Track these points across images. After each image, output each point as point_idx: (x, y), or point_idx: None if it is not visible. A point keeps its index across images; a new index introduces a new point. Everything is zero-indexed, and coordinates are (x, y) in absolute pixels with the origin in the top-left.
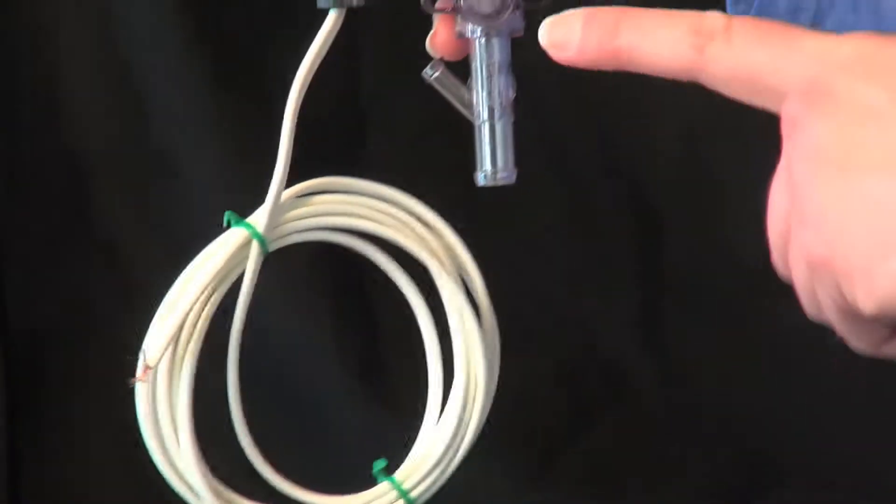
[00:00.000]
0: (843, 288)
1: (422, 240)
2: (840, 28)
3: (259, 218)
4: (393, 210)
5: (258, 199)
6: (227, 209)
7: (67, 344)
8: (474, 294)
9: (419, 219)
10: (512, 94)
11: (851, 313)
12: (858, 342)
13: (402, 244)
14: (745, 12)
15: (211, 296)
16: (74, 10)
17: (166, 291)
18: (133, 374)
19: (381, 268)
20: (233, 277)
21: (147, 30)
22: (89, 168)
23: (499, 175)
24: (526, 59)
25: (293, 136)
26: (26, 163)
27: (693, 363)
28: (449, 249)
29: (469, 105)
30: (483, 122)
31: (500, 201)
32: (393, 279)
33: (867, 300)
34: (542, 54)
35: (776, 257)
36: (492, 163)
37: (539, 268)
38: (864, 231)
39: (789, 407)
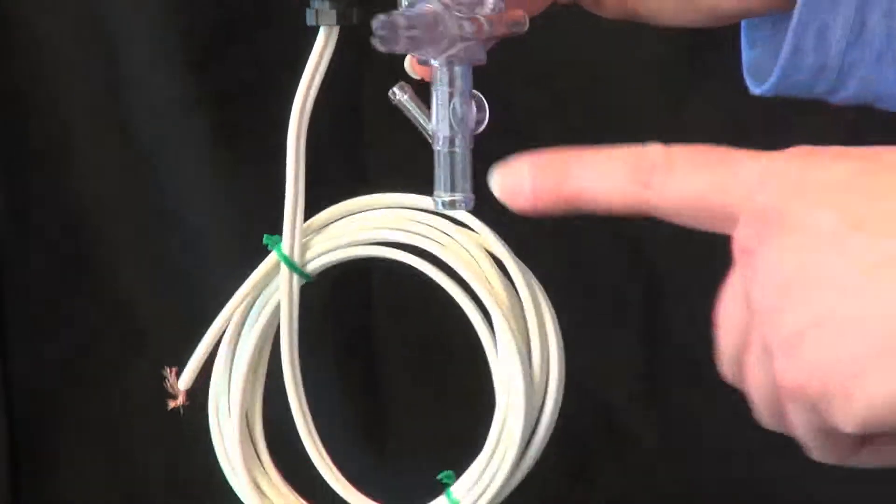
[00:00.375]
0: (822, 411)
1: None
2: (865, 84)
3: (285, 240)
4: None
5: (260, 247)
6: (230, 256)
7: (71, 394)
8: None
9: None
10: (472, 123)
11: (827, 431)
12: (824, 455)
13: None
14: (770, 82)
15: (244, 316)
16: (81, 69)
17: (170, 340)
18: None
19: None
20: (269, 301)
21: (151, 88)
22: (93, 220)
23: (456, 202)
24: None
25: (303, 156)
26: (31, 217)
27: (693, 421)
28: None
29: (431, 130)
30: (442, 148)
31: None
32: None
33: (848, 421)
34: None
35: (727, 365)
36: (450, 189)
37: None
38: (836, 352)
39: (790, 470)
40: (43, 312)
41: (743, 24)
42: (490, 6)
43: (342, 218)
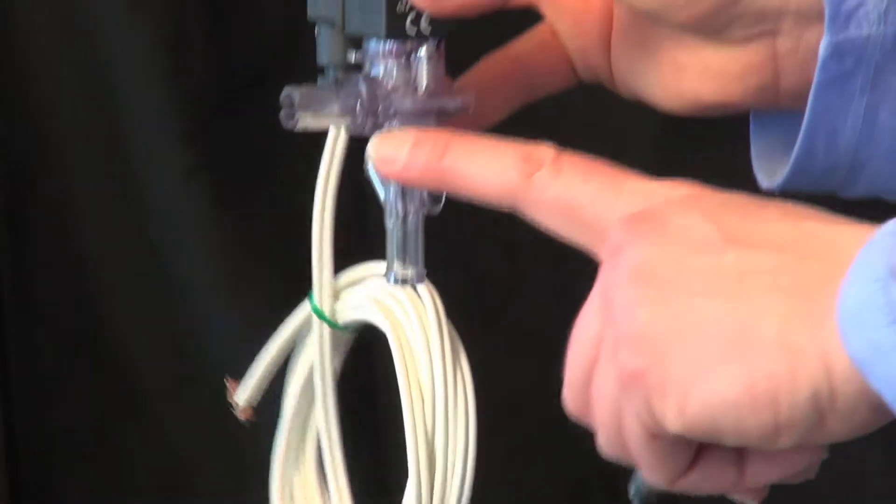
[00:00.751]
0: (654, 404)
1: None
2: (875, 180)
3: (315, 291)
4: None
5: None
6: (232, 322)
7: (76, 460)
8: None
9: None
10: (426, 199)
11: (655, 435)
12: (656, 473)
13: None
14: (778, 182)
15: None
16: (83, 137)
17: (174, 406)
18: None
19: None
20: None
21: (153, 154)
22: (97, 287)
23: (408, 277)
24: None
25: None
26: (36, 282)
27: None
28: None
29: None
30: (395, 224)
31: (504, 326)
32: None
33: (676, 418)
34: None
35: (574, 390)
36: (402, 264)
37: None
38: (685, 350)
39: None
40: (47, 378)
41: (752, 114)
42: (424, 88)
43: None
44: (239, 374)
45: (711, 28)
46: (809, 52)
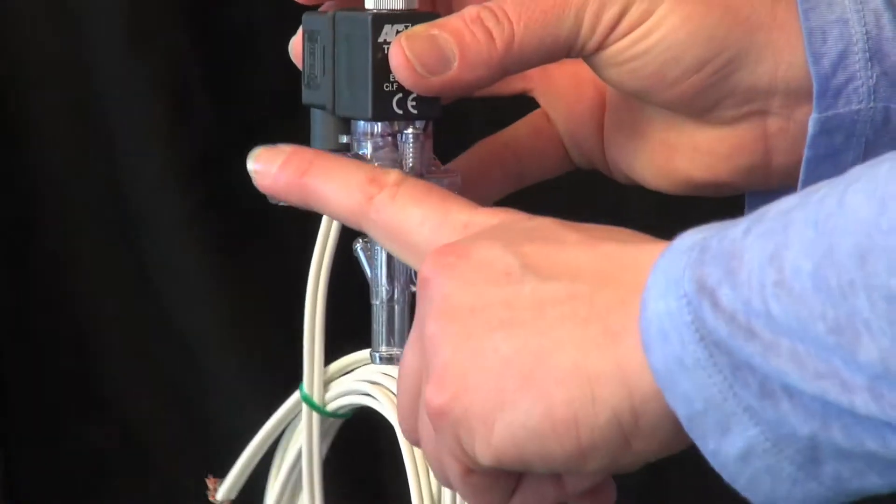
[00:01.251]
0: (462, 438)
1: None
2: None
3: (306, 380)
4: None
5: (264, 362)
6: (231, 368)
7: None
8: None
9: None
10: (413, 279)
11: (471, 470)
12: None
13: None
14: None
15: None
16: (82, 182)
17: (174, 457)
18: None
19: None
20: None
21: (152, 199)
22: (96, 331)
23: (394, 357)
24: None
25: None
26: (34, 326)
27: None
28: None
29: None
30: (381, 303)
31: None
32: None
33: (484, 451)
34: None
35: (404, 419)
36: (387, 343)
37: None
38: (486, 383)
39: None
40: (46, 433)
41: (747, 195)
42: (409, 168)
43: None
44: (238, 425)
45: (700, 108)
46: (800, 132)
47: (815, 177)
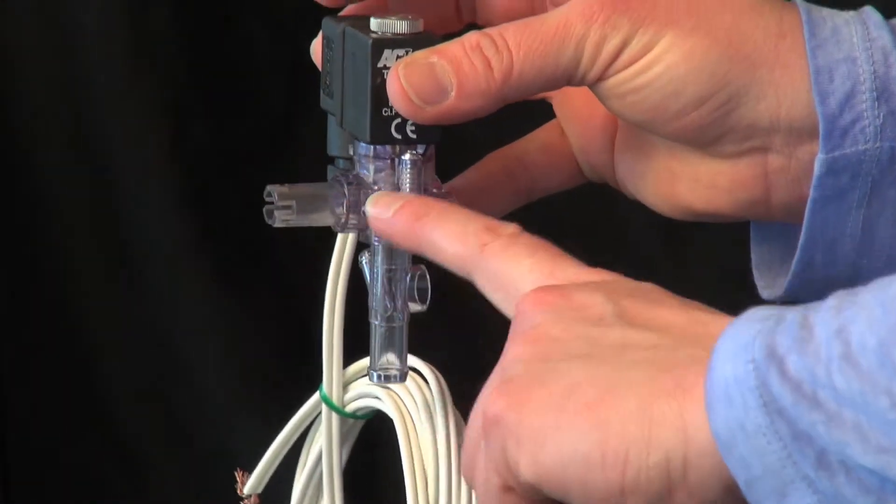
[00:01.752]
0: (509, 449)
1: None
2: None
3: (326, 382)
4: None
5: (262, 385)
6: (230, 395)
7: None
8: None
9: None
10: (417, 298)
11: (508, 487)
12: None
13: None
14: (778, 294)
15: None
16: (81, 208)
17: (171, 478)
18: None
19: None
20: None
21: (151, 223)
22: (94, 360)
23: (391, 375)
24: None
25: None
26: (34, 354)
27: None
28: None
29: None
30: (379, 323)
31: None
32: None
33: (529, 465)
34: None
35: (468, 453)
36: (385, 362)
37: None
38: (547, 400)
39: None
40: (45, 454)
41: (752, 223)
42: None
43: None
44: (235, 449)
45: (701, 141)
46: (801, 170)
47: (820, 217)
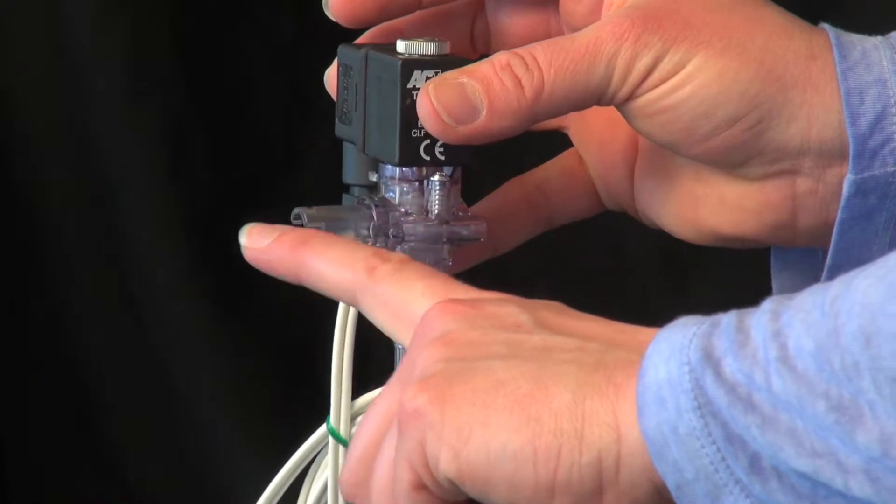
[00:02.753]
0: (429, 444)
1: None
2: None
3: (333, 414)
4: None
5: (263, 417)
6: (230, 426)
7: None
8: None
9: None
10: None
11: (420, 485)
12: None
13: None
14: None
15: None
16: (80, 238)
17: None
18: None
19: None
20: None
21: (150, 254)
22: (95, 394)
23: None
24: None
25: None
26: (33, 385)
27: None
28: None
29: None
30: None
31: None
32: None
33: (450, 461)
34: None
35: (356, 463)
36: None
37: None
38: (472, 395)
39: None
40: (47, 492)
41: (772, 249)
42: (436, 215)
43: None
44: (236, 481)
45: (730, 163)
46: (829, 193)
47: (847, 238)
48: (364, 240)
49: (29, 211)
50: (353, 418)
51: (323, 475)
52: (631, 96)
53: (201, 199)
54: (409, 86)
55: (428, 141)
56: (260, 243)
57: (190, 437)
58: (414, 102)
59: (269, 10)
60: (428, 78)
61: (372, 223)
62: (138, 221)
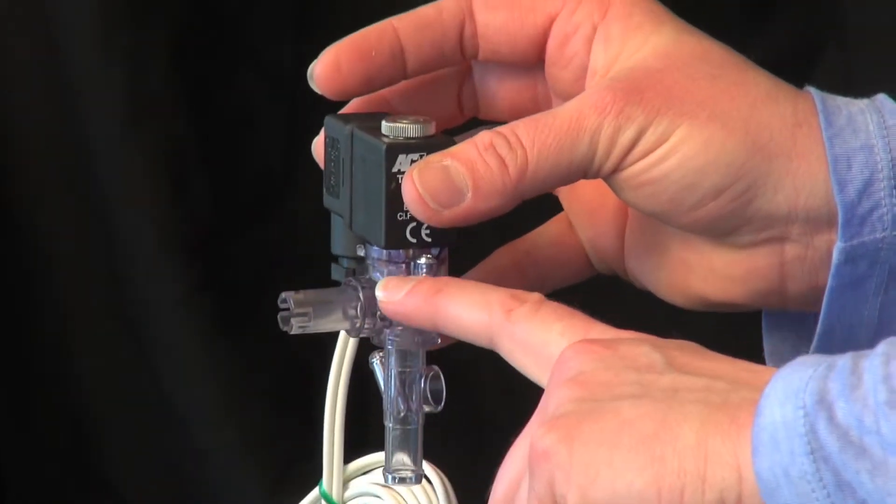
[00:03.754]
0: (557, 486)
1: None
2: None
3: (326, 479)
4: None
5: (262, 442)
6: (229, 446)
7: None
8: None
9: None
10: (426, 400)
11: None
12: None
13: None
14: None
15: None
16: (81, 261)
17: None
18: None
19: None
20: None
21: (150, 277)
22: (94, 416)
23: (406, 478)
24: None
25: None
26: (33, 405)
27: None
28: None
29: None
30: (394, 426)
31: None
32: None
33: (578, 501)
34: None
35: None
36: (399, 463)
37: None
38: (599, 435)
39: None
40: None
41: (764, 312)
42: None
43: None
44: (231, 498)
45: (717, 232)
46: (817, 259)
47: (837, 305)
48: (352, 321)
49: (29, 231)
50: (345, 482)
51: None
52: (616, 169)
53: (201, 221)
54: (394, 170)
55: (414, 224)
56: (396, 296)
57: (187, 458)
58: (399, 186)
59: (269, 38)
60: (413, 161)
61: (359, 304)
62: (138, 242)
